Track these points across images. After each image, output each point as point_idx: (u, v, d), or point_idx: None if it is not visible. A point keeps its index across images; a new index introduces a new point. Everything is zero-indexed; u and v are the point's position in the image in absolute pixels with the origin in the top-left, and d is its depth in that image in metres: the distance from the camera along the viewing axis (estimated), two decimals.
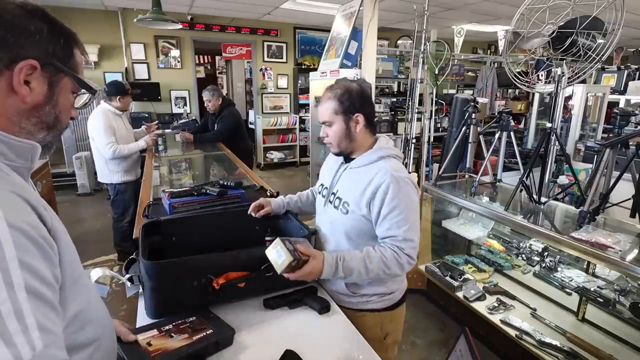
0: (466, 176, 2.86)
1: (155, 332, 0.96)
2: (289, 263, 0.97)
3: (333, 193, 1.24)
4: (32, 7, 0.57)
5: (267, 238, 1.42)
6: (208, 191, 1.68)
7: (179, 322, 1.01)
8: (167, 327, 0.98)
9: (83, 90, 0.65)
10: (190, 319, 1.02)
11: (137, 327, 0.99)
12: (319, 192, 1.36)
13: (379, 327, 1.24)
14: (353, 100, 1.14)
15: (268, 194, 1.59)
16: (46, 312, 0.49)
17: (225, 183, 1.73)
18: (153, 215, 1.43)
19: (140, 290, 1.10)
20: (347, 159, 1.24)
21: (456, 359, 0.76)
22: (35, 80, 0.57)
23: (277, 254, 0.99)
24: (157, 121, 3.60)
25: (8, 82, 0.54)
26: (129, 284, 1.07)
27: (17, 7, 0.56)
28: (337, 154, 1.25)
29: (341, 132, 1.16)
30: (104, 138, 2.72)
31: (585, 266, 2.17)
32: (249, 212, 1.41)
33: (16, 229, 0.48)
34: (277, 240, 1.01)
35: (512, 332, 1.95)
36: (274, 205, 1.43)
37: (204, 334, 0.96)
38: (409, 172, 3.02)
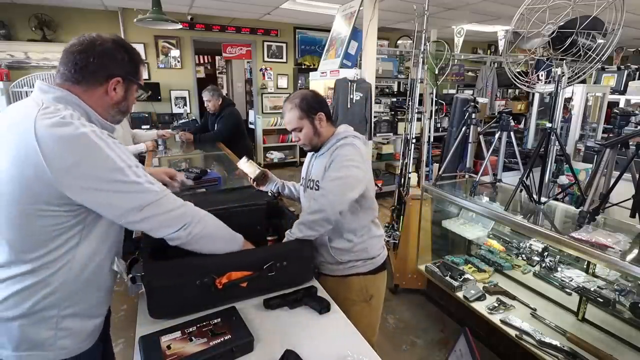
0: (466, 176, 2.86)
1: (178, 334, 0.96)
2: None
3: (309, 179, 1.44)
4: (120, 43, 0.96)
5: (268, 238, 1.42)
6: (186, 176, 1.92)
7: (204, 323, 1.01)
8: (190, 329, 0.98)
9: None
10: (215, 320, 1.02)
11: (164, 328, 1.00)
12: (301, 184, 1.55)
13: (364, 289, 1.40)
14: (310, 104, 1.33)
15: (269, 194, 1.59)
16: None
17: (195, 170, 2.07)
18: None
19: (142, 290, 1.10)
20: (317, 150, 1.43)
21: (456, 359, 0.76)
22: (119, 88, 0.96)
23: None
24: (171, 131, 3.61)
25: (105, 89, 0.94)
26: (130, 283, 1.07)
27: (112, 43, 0.94)
28: (310, 151, 1.45)
29: (310, 132, 1.35)
30: None
31: (585, 266, 2.16)
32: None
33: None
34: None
35: (512, 332, 1.95)
36: (269, 176, 1.64)
37: (222, 339, 0.94)
38: (409, 172, 3.04)
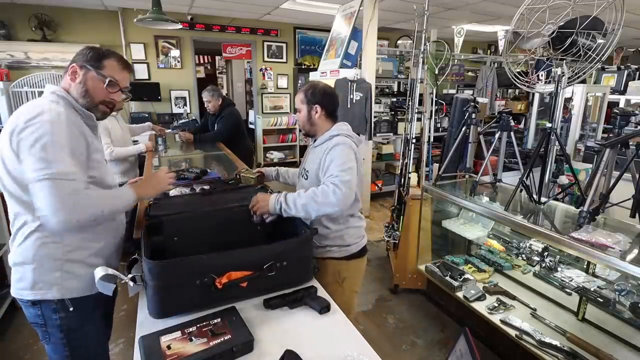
0: (466, 176, 2.86)
1: (178, 334, 0.97)
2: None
3: (304, 168, 1.61)
4: (90, 47, 1.23)
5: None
6: (186, 175, 2.09)
7: (204, 323, 1.01)
8: (190, 329, 0.98)
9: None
10: (215, 320, 1.02)
11: (164, 328, 1.00)
12: (299, 173, 1.70)
13: (337, 273, 1.55)
14: (314, 95, 1.51)
15: (269, 192, 1.60)
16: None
17: (195, 171, 2.17)
18: (155, 215, 1.43)
19: (142, 289, 1.10)
20: (312, 139, 1.59)
21: (456, 359, 0.76)
22: (79, 74, 1.19)
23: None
24: (163, 127, 3.63)
25: (68, 76, 1.19)
26: (131, 283, 1.07)
27: (85, 47, 1.24)
28: (304, 135, 1.63)
29: (304, 117, 1.54)
30: (101, 139, 2.69)
31: (585, 266, 2.17)
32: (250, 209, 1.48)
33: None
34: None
35: (512, 332, 1.95)
36: (265, 172, 1.89)
37: (222, 339, 0.94)
38: (409, 172, 3.04)
